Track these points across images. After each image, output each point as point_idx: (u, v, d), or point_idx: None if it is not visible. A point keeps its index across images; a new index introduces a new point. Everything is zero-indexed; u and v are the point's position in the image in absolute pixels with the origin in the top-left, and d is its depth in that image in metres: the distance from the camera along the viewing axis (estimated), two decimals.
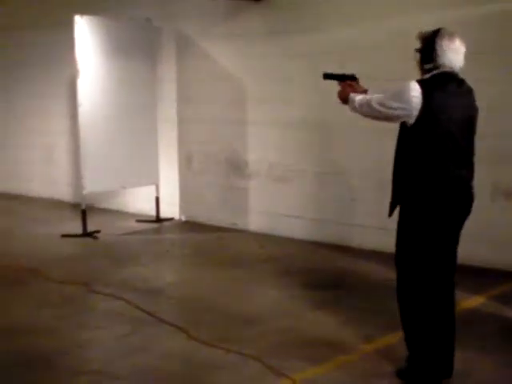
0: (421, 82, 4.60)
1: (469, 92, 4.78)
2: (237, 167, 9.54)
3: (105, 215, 10.51)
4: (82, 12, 9.21)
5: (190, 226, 9.98)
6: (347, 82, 5.19)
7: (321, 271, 7.68)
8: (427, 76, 4.68)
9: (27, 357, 5.42)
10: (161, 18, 9.95)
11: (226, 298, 6.78)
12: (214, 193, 9.85)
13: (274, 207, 9.26)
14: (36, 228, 9.92)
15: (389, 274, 6.36)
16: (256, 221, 9.45)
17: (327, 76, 5.36)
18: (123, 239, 9.25)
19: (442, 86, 4.62)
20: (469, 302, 6.51)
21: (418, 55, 4.75)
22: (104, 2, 10.39)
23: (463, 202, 4.77)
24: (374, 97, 4.85)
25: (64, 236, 9.26)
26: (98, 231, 9.37)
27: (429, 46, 4.65)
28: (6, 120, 12.63)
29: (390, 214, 4.85)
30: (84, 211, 9.33)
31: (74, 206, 10.88)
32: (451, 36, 4.62)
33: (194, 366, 5.22)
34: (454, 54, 4.62)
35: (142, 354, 5.43)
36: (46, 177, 12.13)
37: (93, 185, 9.37)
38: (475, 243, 7.17)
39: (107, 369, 5.19)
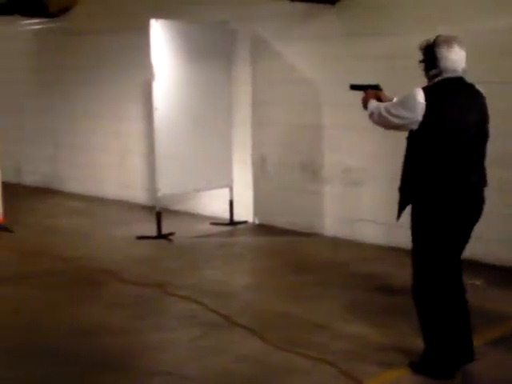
0: (425, 89, 4.77)
1: (477, 96, 4.91)
2: (311, 171, 9.49)
3: (179, 217, 10.56)
4: (158, 16, 9.29)
5: (263, 229, 9.97)
6: (372, 90, 5.33)
7: (392, 276, 7.58)
8: (432, 82, 4.85)
9: (101, 357, 5.50)
10: (236, 21, 9.95)
11: (298, 302, 6.76)
12: (288, 196, 9.81)
13: (348, 211, 9.18)
14: (111, 230, 10.04)
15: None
16: (330, 225, 9.38)
17: (354, 87, 5.54)
18: (197, 242, 9.29)
19: (446, 91, 4.77)
20: None
21: (422, 65, 4.93)
22: (180, 6, 10.45)
23: (471, 205, 4.89)
24: (383, 104, 5.04)
25: (139, 238, 9.35)
26: (172, 233, 9.43)
27: (429, 54, 4.84)
28: (82, 123, 12.81)
29: (398, 217, 5.03)
30: (159, 213, 9.39)
31: (149, 208, 10.97)
32: (449, 41, 4.80)
33: (267, 370, 5.21)
34: (454, 57, 4.78)
35: (215, 357, 5.45)
36: (121, 179, 12.26)
37: (167, 187, 9.44)
38: None
39: (180, 371, 5.22)
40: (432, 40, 4.87)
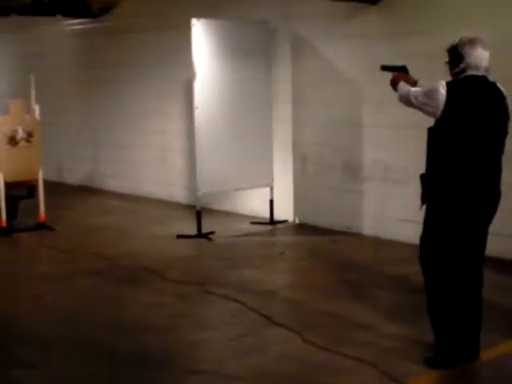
0: (449, 83, 5.07)
1: (498, 94, 5.14)
2: (352, 170, 9.45)
3: (218, 217, 10.59)
4: (199, 15, 9.32)
5: (303, 228, 9.94)
6: (400, 73, 5.68)
7: None
8: (456, 79, 5.14)
9: (143, 355, 5.52)
10: (277, 19, 9.96)
11: (338, 302, 6.73)
12: (328, 195, 9.78)
13: (389, 211, 9.13)
14: (151, 228, 10.09)
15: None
16: (371, 224, 9.34)
17: (384, 68, 5.90)
18: (237, 241, 9.30)
19: (468, 87, 5.05)
20: None
21: (448, 66, 5.23)
22: (220, 5, 10.48)
23: (486, 198, 5.10)
24: (413, 89, 5.35)
25: (179, 237, 9.38)
26: (212, 232, 9.45)
27: (454, 53, 5.14)
28: (122, 121, 12.89)
29: (421, 207, 5.33)
30: (199, 212, 9.41)
31: (188, 206, 11.02)
32: (473, 41, 5.09)
33: (309, 370, 5.20)
34: (477, 55, 5.05)
35: (256, 356, 5.45)
36: (161, 177, 12.32)
37: (207, 186, 9.46)
38: None
39: (222, 369, 5.23)
40: (457, 41, 5.17)
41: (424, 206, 5.34)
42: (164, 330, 6.07)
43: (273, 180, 10.08)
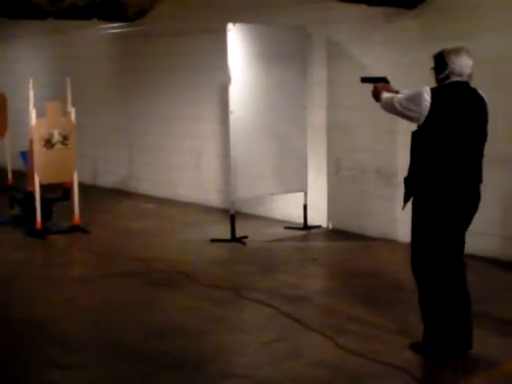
0: (433, 89, 5.27)
1: (479, 100, 5.36)
2: (386, 176, 9.40)
3: (252, 221, 10.58)
4: (235, 19, 9.34)
5: (337, 234, 9.90)
6: (381, 83, 5.86)
7: None
8: (440, 85, 5.36)
9: (176, 358, 5.55)
10: (312, 24, 9.93)
11: (371, 307, 6.69)
12: (362, 201, 9.74)
13: None
14: (185, 231, 10.12)
15: None
16: (405, 231, 9.22)
17: (364, 80, 6.09)
18: (271, 245, 9.29)
19: (451, 93, 5.27)
20: None
21: (433, 72, 5.46)
22: (256, 10, 10.49)
23: (467, 200, 5.32)
24: (396, 96, 5.53)
25: (213, 241, 9.39)
26: (246, 237, 9.45)
27: (439, 60, 5.36)
28: (157, 125, 12.94)
29: (403, 207, 5.53)
30: (233, 216, 9.42)
31: (222, 210, 11.04)
32: (458, 49, 5.34)
33: (342, 375, 5.19)
34: (461, 63, 5.29)
35: (289, 361, 5.45)
36: (195, 181, 12.33)
37: (242, 191, 9.46)
38: None
39: (256, 374, 5.23)
40: (443, 49, 5.39)
41: (410, 210, 5.49)
42: (198, 333, 6.09)
43: (307, 185, 10.06)
